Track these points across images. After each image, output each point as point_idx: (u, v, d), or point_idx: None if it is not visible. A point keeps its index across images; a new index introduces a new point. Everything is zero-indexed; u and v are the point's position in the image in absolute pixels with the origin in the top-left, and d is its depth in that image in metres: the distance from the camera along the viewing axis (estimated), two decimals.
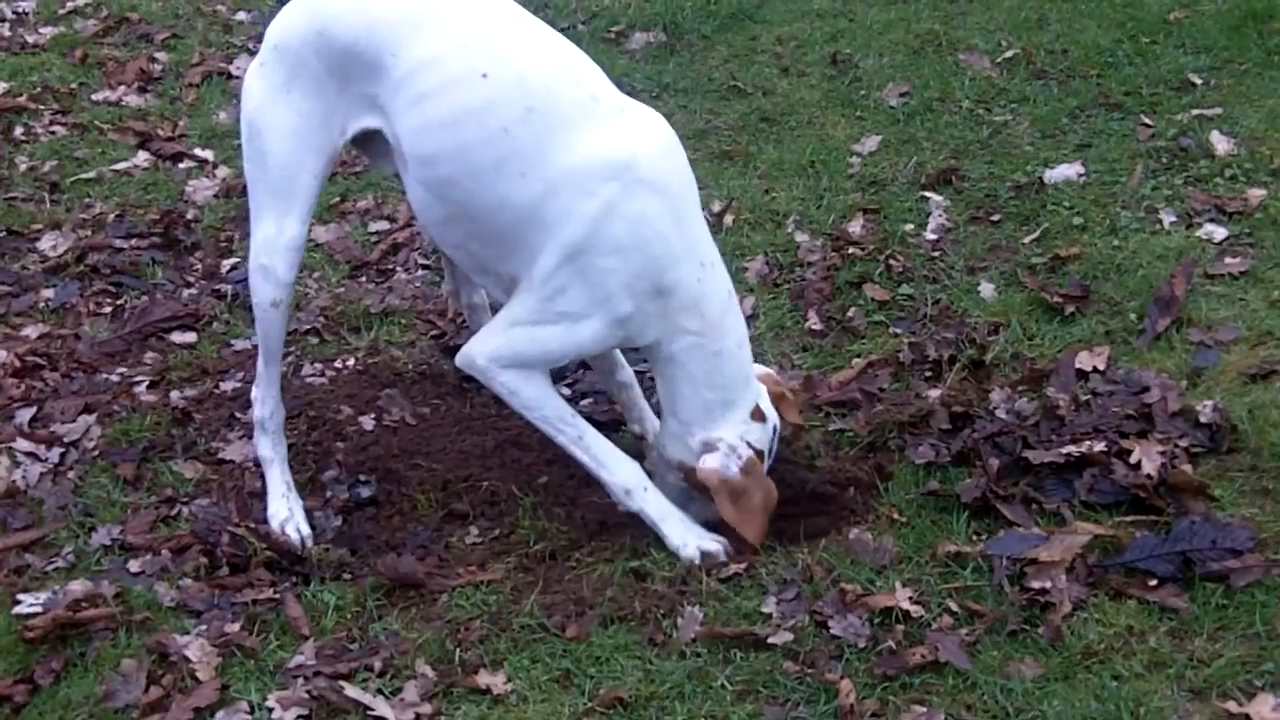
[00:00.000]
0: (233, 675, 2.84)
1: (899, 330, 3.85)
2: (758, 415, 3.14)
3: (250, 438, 3.46)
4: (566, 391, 3.78)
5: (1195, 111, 4.74)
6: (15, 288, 4.34)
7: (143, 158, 5.10)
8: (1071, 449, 3.15)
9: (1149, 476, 3.07)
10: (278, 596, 3.07)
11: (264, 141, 3.17)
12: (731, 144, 4.99)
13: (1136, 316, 3.73)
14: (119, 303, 4.28)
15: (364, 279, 4.38)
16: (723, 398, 3.10)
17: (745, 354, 3.15)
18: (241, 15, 6.20)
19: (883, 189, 4.55)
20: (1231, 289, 3.80)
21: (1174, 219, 4.16)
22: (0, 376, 3.85)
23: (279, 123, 3.15)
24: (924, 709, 2.62)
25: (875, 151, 4.81)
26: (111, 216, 4.71)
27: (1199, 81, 4.98)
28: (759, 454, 3.13)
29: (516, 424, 3.62)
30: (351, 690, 2.76)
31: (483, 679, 2.78)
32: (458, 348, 3.85)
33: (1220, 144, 4.49)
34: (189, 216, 4.70)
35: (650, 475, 3.21)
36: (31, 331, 4.11)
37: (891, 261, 4.13)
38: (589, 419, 3.63)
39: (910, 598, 2.87)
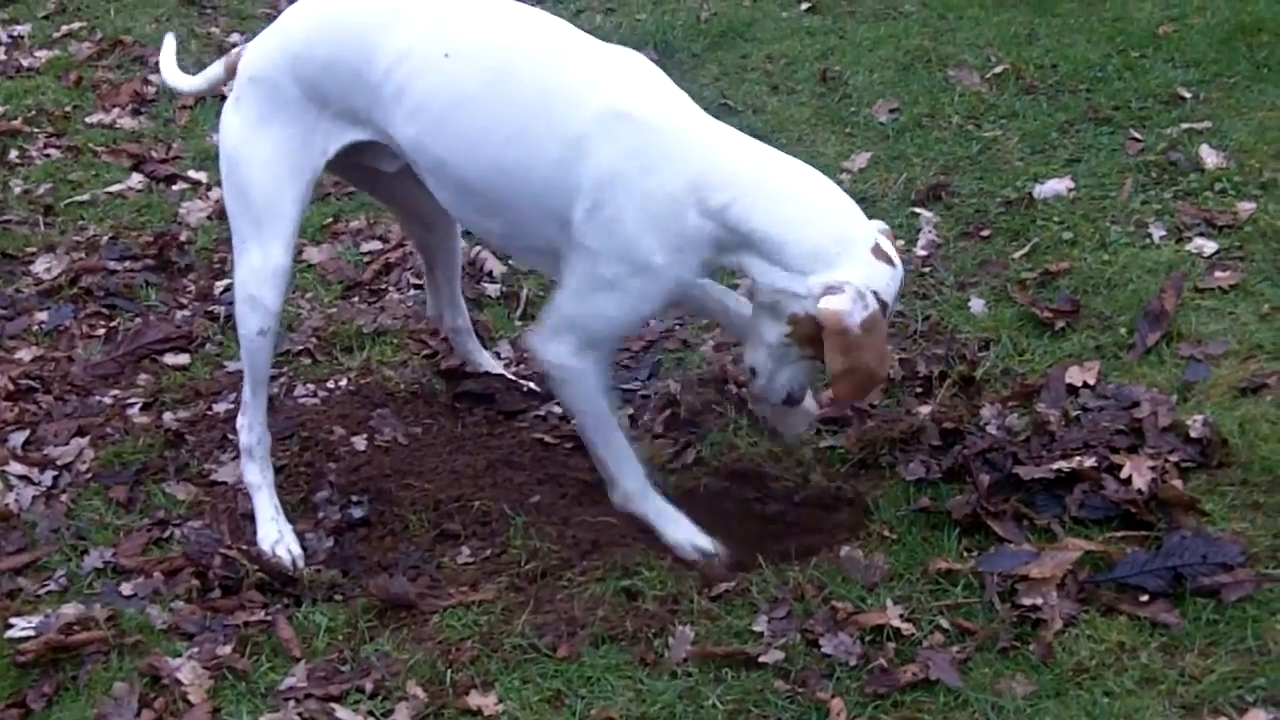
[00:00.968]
0: (224, 698, 2.84)
1: (890, 346, 3.86)
2: (880, 255, 2.89)
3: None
4: (558, 409, 3.79)
5: (1184, 125, 4.75)
6: (9, 311, 4.35)
7: (136, 180, 5.12)
8: (1062, 464, 3.15)
9: (1139, 491, 3.07)
10: (269, 618, 3.07)
11: (245, 173, 3.20)
12: None
13: (1126, 331, 3.73)
14: (112, 325, 4.29)
15: (356, 299, 4.39)
16: (834, 232, 2.88)
17: (831, 184, 2.96)
18: (235, 38, 6.22)
19: (873, 205, 4.56)
20: (1221, 303, 3.80)
21: (1164, 233, 4.17)
22: None
23: (259, 154, 3.18)
24: None
25: (865, 168, 4.82)
26: (105, 239, 4.72)
27: (1188, 95, 5.00)
28: (883, 306, 2.88)
29: (509, 443, 3.63)
30: (343, 712, 2.76)
31: (474, 700, 2.78)
32: (450, 369, 3.90)
33: (1210, 157, 4.50)
34: (182, 238, 4.71)
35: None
36: (25, 354, 4.12)
37: None
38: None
39: (901, 615, 2.87)
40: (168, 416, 3.80)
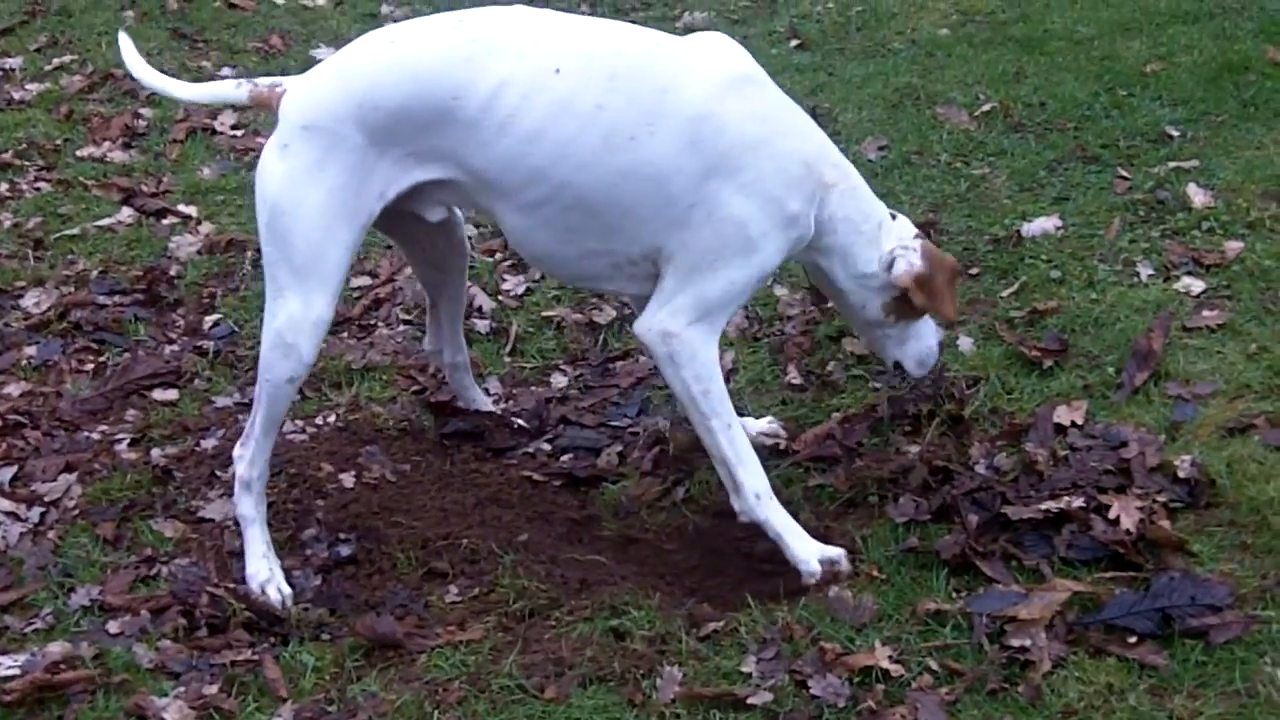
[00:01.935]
0: None
1: (878, 385, 3.87)
2: (889, 215, 3.42)
3: (230, 495, 3.45)
4: (547, 446, 3.79)
5: (1172, 164, 4.77)
6: None
7: (126, 214, 5.10)
8: (1050, 505, 3.16)
9: (1128, 532, 3.07)
10: (256, 658, 3.06)
11: (290, 222, 3.11)
12: None
13: (1114, 370, 3.74)
14: (101, 360, 4.28)
15: (345, 334, 4.38)
16: (874, 220, 3.37)
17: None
18: (226, 71, 6.23)
19: None
20: (1209, 342, 3.81)
21: (1151, 272, 4.19)
22: None
23: (310, 200, 3.10)
24: None
25: None
26: (94, 273, 4.71)
27: (1176, 134, 5.02)
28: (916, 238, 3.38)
29: (497, 481, 3.63)
30: None
31: None
32: (439, 403, 3.90)
33: (1197, 196, 4.52)
34: (172, 273, 4.71)
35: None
36: (13, 389, 4.11)
37: None
38: (569, 474, 3.67)
39: (890, 656, 2.86)
40: (156, 452, 3.79)
